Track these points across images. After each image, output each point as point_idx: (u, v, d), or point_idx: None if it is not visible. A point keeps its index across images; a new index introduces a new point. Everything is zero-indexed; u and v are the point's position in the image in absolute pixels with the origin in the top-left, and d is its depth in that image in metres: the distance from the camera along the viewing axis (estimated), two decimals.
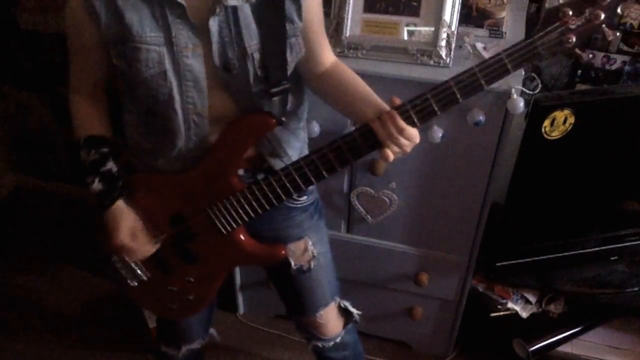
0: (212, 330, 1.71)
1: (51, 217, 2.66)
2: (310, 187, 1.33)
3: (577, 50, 0.96)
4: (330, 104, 1.24)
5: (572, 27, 0.94)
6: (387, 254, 1.83)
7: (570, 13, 0.93)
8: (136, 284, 1.31)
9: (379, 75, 1.44)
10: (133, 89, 1.11)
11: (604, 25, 0.94)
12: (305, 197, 1.33)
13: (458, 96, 1.01)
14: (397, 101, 1.06)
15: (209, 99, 1.10)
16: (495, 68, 0.99)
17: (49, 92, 2.48)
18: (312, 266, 1.36)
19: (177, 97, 1.08)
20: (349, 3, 1.48)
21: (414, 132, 1.06)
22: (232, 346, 2.13)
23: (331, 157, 1.09)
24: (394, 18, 1.48)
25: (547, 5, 1.77)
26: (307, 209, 1.35)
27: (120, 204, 1.19)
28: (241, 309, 2.24)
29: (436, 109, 1.03)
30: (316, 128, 1.57)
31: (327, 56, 1.22)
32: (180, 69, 1.06)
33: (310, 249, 1.35)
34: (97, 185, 1.18)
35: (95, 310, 2.26)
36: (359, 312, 1.51)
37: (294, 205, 1.32)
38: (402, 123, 1.04)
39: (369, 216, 1.76)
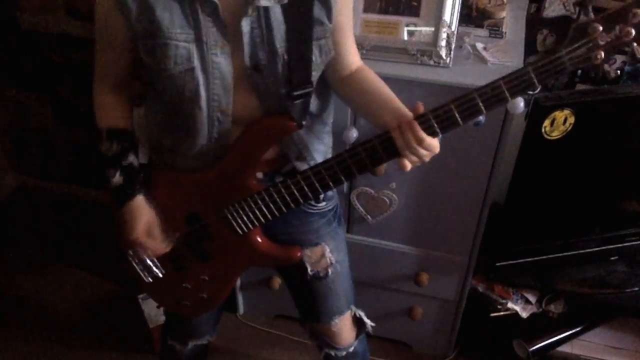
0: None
1: (51, 217, 2.66)
2: (330, 193, 1.33)
3: (634, 46, 0.94)
4: (352, 108, 1.24)
5: (602, 43, 0.93)
6: (387, 254, 1.83)
7: (601, 29, 0.92)
8: (151, 280, 1.31)
9: (379, 75, 1.43)
10: (159, 85, 1.12)
11: (634, 43, 0.92)
12: (324, 203, 1.32)
13: (482, 107, 0.99)
14: (421, 108, 1.03)
15: (234, 97, 1.10)
16: (522, 81, 0.97)
17: (49, 92, 2.48)
18: (329, 273, 1.35)
19: (203, 94, 1.08)
20: None
21: (434, 143, 1.03)
22: (232, 346, 2.13)
23: (350, 162, 1.08)
24: (394, 18, 1.48)
25: (546, 5, 1.77)
26: (325, 215, 1.34)
27: (139, 198, 1.19)
28: (241, 309, 2.24)
29: (459, 118, 1.00)
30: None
31: (354, 59, 1.21)
32: (209, 66, 1.06)
33: (327, 255, 1.34)
34: (117, 178, 1.17)
35: (95, 310, 2.26)
36: (372, 324, 1.50)
37: (312, 211, 1.31)
38: (421, 133, 1.01)
39: (369, 216, 1.76)
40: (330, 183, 1.11)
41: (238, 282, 2.14)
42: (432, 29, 1.46)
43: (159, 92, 1.15)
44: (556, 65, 0.95)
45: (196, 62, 1.05)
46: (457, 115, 1.00)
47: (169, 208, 1.23)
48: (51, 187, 2.77)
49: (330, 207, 1.35)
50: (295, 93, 1.10)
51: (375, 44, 1.49)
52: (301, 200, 1.15)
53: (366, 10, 1.50)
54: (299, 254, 1.27)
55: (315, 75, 1.13)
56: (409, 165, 1.05)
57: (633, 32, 0.91)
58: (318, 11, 1.08)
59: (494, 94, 0.99)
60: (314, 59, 1.10)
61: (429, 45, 1.47)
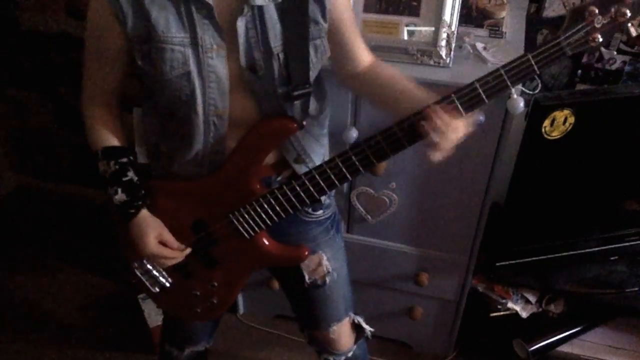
0: None
1: (51, 217, 2.66)
2: (327, 201, 1.33)
3: (630, 27, 0.95)
4: (371, 103, 1.22)
5: (598, 25, 0.94)
6: (387, 254, 1.83)
7: (597, 12, 0.93)
8: (158, 290, 1.30)
9: None
10: (155, 90, 1.11)
11: (629, 24, 0.94)
12: (321, 211, 1.32)
13: (508, 83, 0.98)
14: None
15: (230, 100, 1.10)
16: (523, 68, 0.97)
17: (49, 92, 2.48)
18: (326, 281, 1.35)
19: (199, 98, 1.07)
20: None
21: (459, 124, 1.00)
22: (232, 346, 2.13)
23: (369, 152, 1.07)
24: (394, 18, 1.48)
25: (546, 5, 1.77)
26: (322, 223, 1.33)
27: (145, 212, 1.19)
28: (241, 309, 2.24)
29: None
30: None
31: (364, 55, 1.21)
32: (204, 69, 1.05)
33: (324, 264, 1.34)
34: (120, 195, 1.16)
35: (95, 310, 2.26)
36: (372, 330, 1.50)
37: (309, 219, 1.31)
38: (446, 116, 0.98)
39: (369, 216, 1.76)
40: (348, 175, 1.09)
41: None
42: (432, 29, 1.46)
43: (155, 97, 1.14)
44: (555, 51, 0.96)
45: (192, 66, 1.05)
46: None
47: (174, 218, 1.22)
48: (51, 187, 2.77)
49: (327, 215, 1.34)
50: (295, 93, 1.10)
51: (375, 44, 1.49)
52: (307, 201, 1.14)
53: (366, 10, 1.50)
54: (306, 253, 1.26)
55: (312, 75, 1.12)
56: (439, 156, 1.02)
57: (628, 12, 0.93)
58: (313, 10, 1.07)
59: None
60: (311, 58, 1.10)
61: (429, 45, 1.46)
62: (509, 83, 0.98)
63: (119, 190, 1.16)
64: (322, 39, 1.11)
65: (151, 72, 1.07)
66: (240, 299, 2.20)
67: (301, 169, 1.20)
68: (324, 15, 1.09)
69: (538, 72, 0.97)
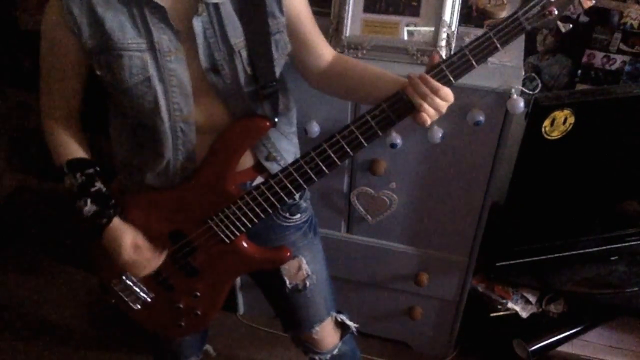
0: (207, 347, 1.69)
1: (51, 217, 2.66)
2: (304, 205, 1.32)
3: (558, 22, 1.00)
4: (346, 96, 1.21)
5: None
6: (387, 254, 1.83)
7: None
8: (139, 306, 1.28)
9: None
10: (118, 99, 1.09)
11: None
12: (298, 216, 1.31)
13: (473, 62, 1.00)
14: (436, 58, 1.03)
15: (196, 105, 1.08)
16: (486, 45, 0.99)
17: None
18: (307, 285, 1.35)
19: (162, 104, 1.05)
20: (349, 3, 1.48)
21: (448, 91, 1.02)
22: (232, 346, 2.13)
23: (358, 133, 1.05)
24: (394, 18, 1.48)
25: None
26: (300, 227, 1.33)
27: (117, 220, 1.16)
28: (241, 309, 2.24)
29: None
30: (316, 128, 1.57)
31: (326, 49, 1.20)
32: (165, 74, 1.04)
33: (304, 267, 1.34)
34: (90, 207, 1.14)
35: (95, 311, 2.26)
36: (357, 325, 1.50)
37: (287, 224, 1.30)
38: (436, 83, 1.00)
39: (369, 216, 1.76)
40: (336, 160, 1.08)
41: (238, 282, 2.14)
42: (432, 29, 1.46)
43: (120, 109, 1.12)
44: (515, 26, 0.98)
45: (152, 71, 1.03)
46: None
47: (150, 229, 1.19)
48: (51, 187, 2.77)
49: (305, 219, 1.34)
50: (264, 92, 1.08)
51: (375, 44, 1.49)
52: (286, 199, 1.13)
53: (366, 10, 1.50)
54: (288, 254, 1.25)
55: (277, 71, 1.11)
56: (428, 120, 1.02)
57: None
58: (270, 3, 1.06)
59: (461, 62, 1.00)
60: (273, 53, 1.09)
61: (428, 45, 1.46)
62: (473, 62, 1.00)
63: (88, 201, 1.14)
64: (282, 33, 1.10)
65: (112, 81, 1.05)
66: (240, 299, 2.20)
67: (273, 167, 1.19)
68: (280, 9, 1.08)
69: (500, 49, 1.00)
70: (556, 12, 0.97)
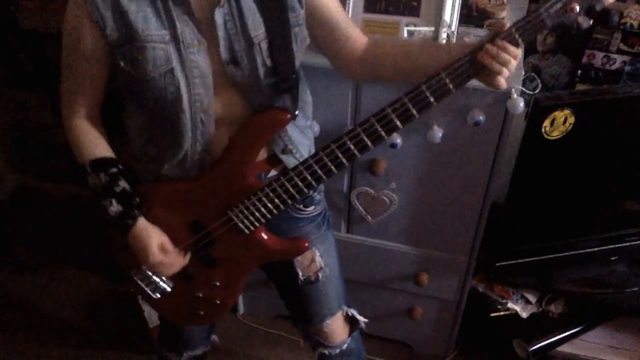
0: (213, 337, 1.69)
1: (51, 217, 2.66)
2: (318, 197, 1.33)
3: (579, 18, 0.99)
4: (393, 76, 1.17)
5: None
6: (387, 254, 1.83)
7: None
8: (158, 295, 1.28)
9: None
10: (140, 91, 1.09)
11: None
12: (312, 208, 1.32)
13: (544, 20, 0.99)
14: (506, 25, 1.01)
15: (216, 96, 1.09)
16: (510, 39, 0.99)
17: (49, 92, 2.48)
18: (319, 277, 1.35)
19: (184, 95, 1.07)
20: (349, 3, 1.48)
21: (518, 52, 1.01)
22: (232, 346, 2.13)
23: (394, 116, 1.04)
24: (394, 18, 1.48)
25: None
26: (314, 219, 1.33)
27: (142, 221, 1.17)
28: (241, 309, 2.24)
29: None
30: (316, 128, 1.57)
31: (357, 34, 1.18)
32: (187, 65, 1.05)
33: (317, 260, 1.34)
34: (116, 207, 1.15)
35: (95, 310, 2.26)
36: (365, 320, 1.50)
37: (301, 216, 1.31)
38: (513, 48, 0.99)
39: (369, 216, 1.76)
40: (369, 143, 1.07)
41: None
42: (432, 29, 1.46)
43: (140, 100, 1.12)
44: (537, 23, 0.98)
45: (175, 63, 1.04)
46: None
47: (170, 222, 1.21)
48: (51, 187, 2.77)
49: (319, 211, 1.34)
50: (283, 85, 1.09)
51: None
52: (306, 190, 1.13)
53: (366, 10, 1.50)
54: (306, 244, 1.25)
55: (297, 64, 1.11)
56: (503, 82, 1.02)
57: None
58: None
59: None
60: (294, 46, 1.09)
61: None
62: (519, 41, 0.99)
63: (114, 201, 1.15)
64: (301, 26, 1.10)
65: (134, 73, 1.05)
66: (240, 299, 2.20)
67: (289, 160, 1.20)
68: (300, 1, 1.08)
69: (521, 46, 1.00)
70: (577, 9, 0.97)
